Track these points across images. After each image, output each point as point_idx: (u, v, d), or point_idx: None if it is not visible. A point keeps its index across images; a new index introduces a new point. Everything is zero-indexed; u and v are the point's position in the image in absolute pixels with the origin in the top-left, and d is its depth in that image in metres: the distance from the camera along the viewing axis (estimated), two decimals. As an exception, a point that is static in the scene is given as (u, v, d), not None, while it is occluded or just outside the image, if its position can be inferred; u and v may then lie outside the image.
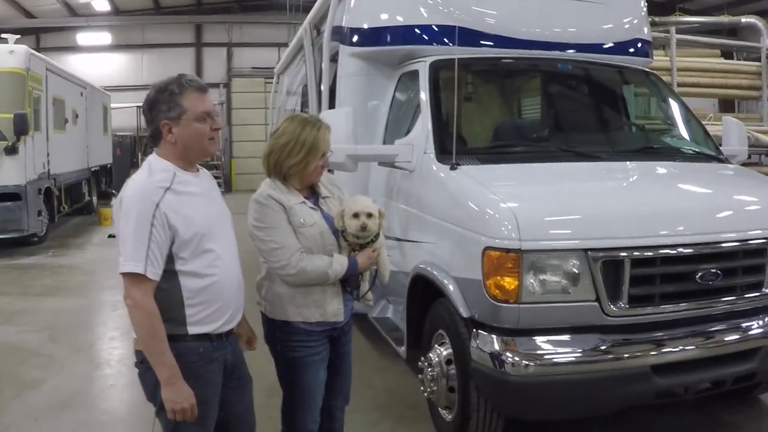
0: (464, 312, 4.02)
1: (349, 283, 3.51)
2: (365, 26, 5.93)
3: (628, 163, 4.98)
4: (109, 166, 21.63)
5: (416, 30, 5.55)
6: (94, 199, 19.35)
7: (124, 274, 2.78)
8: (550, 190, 4.37)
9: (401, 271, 5.01)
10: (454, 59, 4.61)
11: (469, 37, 5.37)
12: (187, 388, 2.83)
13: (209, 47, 28.47)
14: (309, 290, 3.42)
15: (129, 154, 25.79)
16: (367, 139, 5.86)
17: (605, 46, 5.90)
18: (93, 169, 18.93)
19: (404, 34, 5.63)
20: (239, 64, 28.23)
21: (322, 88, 6.97)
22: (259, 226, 3.37)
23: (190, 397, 2.83)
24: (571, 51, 5.75)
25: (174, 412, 2.82)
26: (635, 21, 6.15)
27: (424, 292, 4.65)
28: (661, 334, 3.92)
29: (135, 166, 23.18)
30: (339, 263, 3.39)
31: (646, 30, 6.27)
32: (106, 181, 21.37)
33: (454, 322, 4.14)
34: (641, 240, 3.86)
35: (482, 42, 5.47)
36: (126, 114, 25.56)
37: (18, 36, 14.26)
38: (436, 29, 5.44)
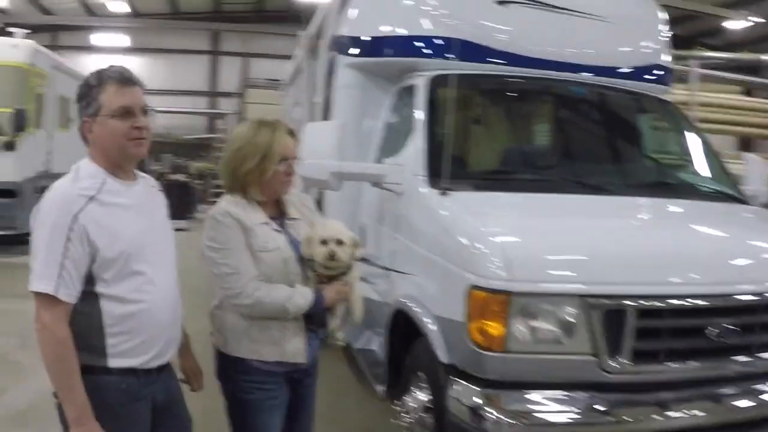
0: (443, 357, 3.56)
1: (313, 319, 3.07)
2: (364, 36, 5.51)
3: (639, 198, 4.52)
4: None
5: (418, 42, 5.11)
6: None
7: (35, 294, 2.38)
8: (549, 225, 3.89)
9: (386, 302, 4.57)
10: (455, 75, 4.20)
11: (475, 52, 4.95)
12: (100, 431, 2.41)
13: (225, 56, 28.44)
14: (266, 324, 2.99)
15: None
16: (360, 157, 5.41)
17: (622, 71, 5.42)
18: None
19: (405, 46, 5.19)
20: (255, 74, 27.99)
21: (316, 99, 6.58)
22: (212, 246, 2.95)
23: None
24: (585, 73, 5.29)
25: None
26: (655, 46, 5.69)
27: (405, 328, 4.19)
28: (667, 395, 3.42)
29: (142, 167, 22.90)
30: (302, 296, 2.97)
31: (666, 57, 5.82)
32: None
33: (434, 366, 3.67)
34: (648, 288, 3.40)
35: (489, 59, 5.03)
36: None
37: (28, 31, 13.98)
38: (439, 42, 4.99)
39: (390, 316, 4.35)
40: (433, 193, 4.15)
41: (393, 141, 5.24)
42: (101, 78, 2.56)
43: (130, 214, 2.57)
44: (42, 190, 10.45)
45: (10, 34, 13.64)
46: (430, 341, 3.66)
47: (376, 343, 5.45)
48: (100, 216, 2.46)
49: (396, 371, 4.41)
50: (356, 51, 5.58)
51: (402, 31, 5.24)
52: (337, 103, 5.82)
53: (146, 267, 2.55)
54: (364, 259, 5.42)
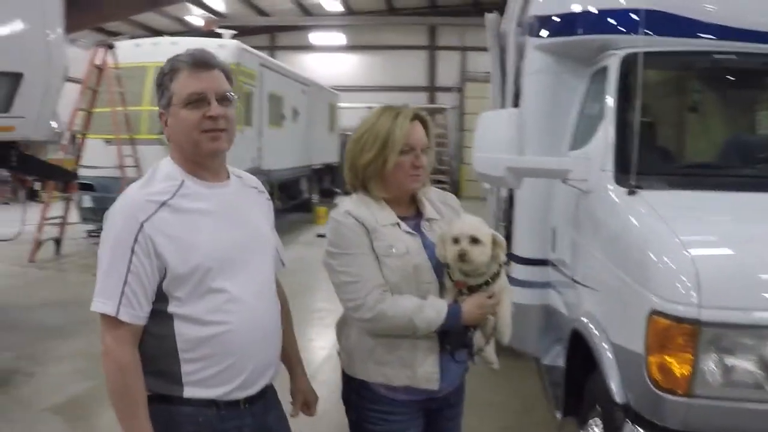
0: (617, 395, 2.91)
1: (449, 339, 2.56)
2: (554, 14, 4.89)
3: None
4: (334, 164, 21.64)
5: (611, 16, 4.43)
6: (314, 196, 19.52)
7: (100, 314, 2.09)
8: (759, 236, 3.02)
9: (570, 317, 4.00)
10: (652, 52, 3.60)
11: (677, 25, 4.19)
12: None
13: (443, 50, 28.33)
14: (395, 343, 2.53)
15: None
16: (553, 150, 4.82)
17: None
18: (315, 167, 19.09)
19: (597, 22, 4.52)
20: (473, 68, 27.61)
21: (507, 87, 6.02)
22: (331, 252, 2.55)
23: None
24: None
25: None
26: None
27: (585, 351, 3.57)
28: None
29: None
30: (434, 309, 2.46)
31: None
32: (331, 179, 21.54)
33: (609, 402, 3.03)
34: None
35: (695, 33, 4.23)
36: (358, 114, 25.89)
37: (234, 32, 14.51)
38: (635, 15, 4.27)
39: (569, 335, 3.75)
40: (620, 192, 3.50)
41: (585, 131, 4.59)
42: (173, 63, 2.21)
43: (211, 222, 2.22)
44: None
45: (219, 36, 14.18)
46: (604, 372, 3.03)
47: (563, 361, 4.85)
48: (172, 225, 2.13)
49: (576, 397, 3.80)
50: (546, 32, 4.98)
51: (594, 6, 4.56)
52: (526, 90, 5.24)
53: (230, 284, 2.19)
54: (554, 265, 4.89)
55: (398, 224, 2.57)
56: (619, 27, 4.37)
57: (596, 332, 3.25)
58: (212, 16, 24.75)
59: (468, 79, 27.73)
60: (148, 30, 25.23)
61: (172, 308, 2.14)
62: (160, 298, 2.13)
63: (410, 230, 2.59)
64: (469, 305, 2.52)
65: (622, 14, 4.37)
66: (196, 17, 25.74)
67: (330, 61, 28.06)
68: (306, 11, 26.54)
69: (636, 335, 2.76)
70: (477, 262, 2.48)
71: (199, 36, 16.38)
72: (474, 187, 25.18)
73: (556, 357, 4.88)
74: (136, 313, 2.09)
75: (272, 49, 28.78)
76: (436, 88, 29.70)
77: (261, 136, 14.18)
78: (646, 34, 3.87)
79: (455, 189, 25.98)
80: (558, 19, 4.86)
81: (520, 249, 5.20)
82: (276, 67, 15.91)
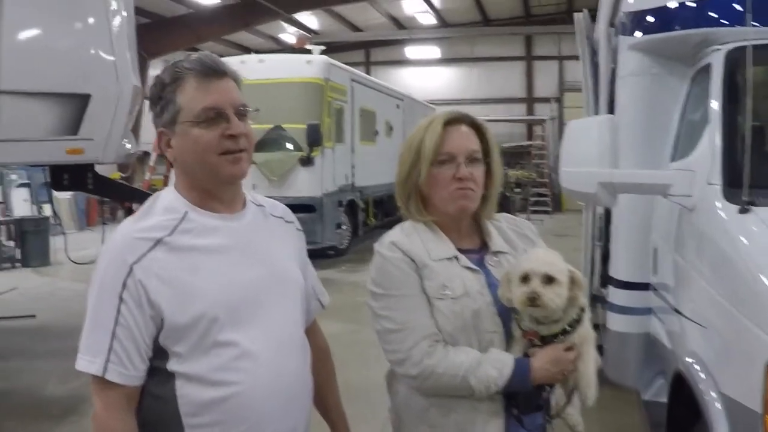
0: (727, 458, 2.40)
1: (517, 400, 2.08)
2: (648, 8, 4.38)
3: None
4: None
5: (712, 7, 3.89)
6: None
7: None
8: None
9: (673, 352, 3.50)
10: (761, 45, 3.08)
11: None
12: None
13: (539, 60, 27.84)
14: (450, 405, 2.07)
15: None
16: (652, 162, 4.31)
17: None
18: (411, 183, 18.86)
19: (696, 15, 3.99)
20: (571, 77, 26.88)
21: (601, 92, 5.50)
22: (374, 292, 2.13)
23: None
24: None
25: None
26: None
27: (690, 397, 3.04)
28: None
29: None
30: (494, 366, 2.00)
31: None
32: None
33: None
34: None
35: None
36: (455, 128, 25.93)
37: (323, 47, 14.40)
38: (739, 5, 3.71)
39: (672, 376, 3.23)
40: (730, 209, 2.99)
41: (687, 139, 4.07)
42: (177, 72, 1.83)
43: (220, 261, 1.85)
44: (342, 204, 10.52)
45: (309, 53, 14.09)
46: (711, 427, 2.51)
47: (666, 397, 4.30)
48: (168, 266, 1.77)
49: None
50: (640, 29, 4.48)
51: (693, -3, 4.05)
52: (621, 95, 4.73)
53: (241, 335, 1.82)
54: (655, 290, 4.37)
55: (456, 258, 2.13)
56: (721, 19, 3.85)
57: (703, 377, 2.74)
58: (305, 33, 24.87)
59: (566, 89, 27.10)
60: (242, 49, 25.64)
61: (172, 366, 1.78)
62: (159, 353, 1.78)
63: (471, 265, 2.13)
64: (541, 360, 2.04)
65: (724, 4, 3.84)
66: (289, 35, 25.98)
67: (425, 75, 28.01)
68: (400, 25, 26.46)
69: (751, 388, 2.25)
70: (551, 306, 2.00)
71: (288, 53, 16.37)
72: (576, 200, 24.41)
73: (659, 392, 4.35)
74: (128, 373, 1.74)
75: (368, 64, 28.84)
76: (534, 99, 29.15)
77: (353, 152, 13.98)
78: (754, 25, 3.33)
79: (556, 202, 25.27)
80: (652, 15, 4.36)
81: (619, 271, 4.70)
82: (367, 81, 15.73)
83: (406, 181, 2.16)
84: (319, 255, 13.03)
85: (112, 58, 5.89)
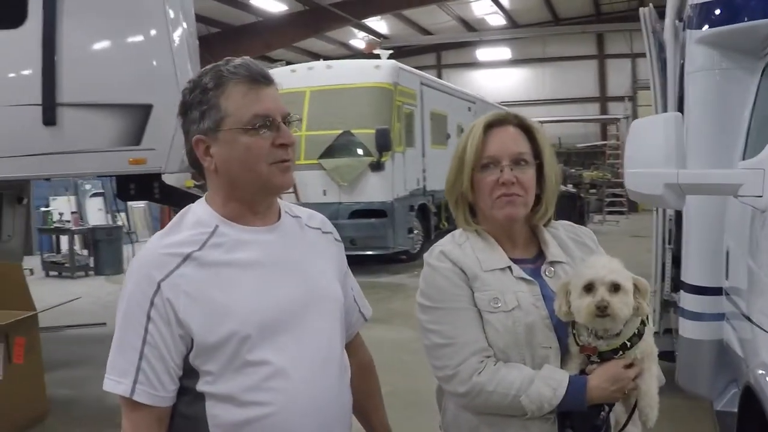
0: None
1: (573, 420, 1.96)
2: (717, 2, 4.19)
3: None
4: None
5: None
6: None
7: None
8: None
9: (745, 361, 3.32)
10: None
11: None
12: None
13: (612, 59, 27.47)
14: (501, 423, 1.96)
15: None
16: (722, 160, 4.11)
17: None
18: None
19: (765, 4, 3.79)
20: (644, 75, 26.38)
21: (669, 89, 5.31)
22: (423, 305, 2.04)
23: None
24: None
25: None
26: None
27: (762, 412, 2.85)
28: None
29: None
30: (549, 384, 1.89)
31: None
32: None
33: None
34: None
35: None
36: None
37: (390, 51, 14.40)
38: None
39: (742, 389, 3.04)
40: (805, 212, 2.79)
41: (759, 136, 3.86)
42: (220, 76, 1.76)
43: (252, 276, 1.78)
44: (414, 208, 10.48)
45: (378, 57, 14.08)
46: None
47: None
48: (197, 283, 1.71)
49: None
50: (707, 22, 4.27)
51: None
52: (689, 91, 4.53)
53: (274, 354, 1.74)
54: (727, 294, 4.16)
55: (509, 268, 2.02)
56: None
57: (774, 392, 2.56)
58: (375, 38, 24.96)
59: (639, 86, 26.62)
60: (312, 56, 25.92)
61: (202, 386, 1.72)
62: (189, 373, 1.73)
63: (525, 276, 2.02)
64: (599, 379, 1.90)
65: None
66: (359, 40, 26.13)
67: (497, 77, 27.97)
68: (469, 27, 26.38)
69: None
70: (621, 316, 1.87)
71: (356, 58, 16.44)
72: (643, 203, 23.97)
73: (732, 401, 4.14)
74: (157, 394, 1.69)
75: (439, 67, 28.83)
76: (607, 98, 28.73)
77: (424, 156, 13.95)
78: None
79: (632, 203, 24.72)
80: (720, 6, 4.17)
81: (691, 276, 4.50)
82: (437, 85, 15.66)
83: (452, 188, 2.08)
84: (390, 260, 13.00)
85: (173, 68, 5.94)
